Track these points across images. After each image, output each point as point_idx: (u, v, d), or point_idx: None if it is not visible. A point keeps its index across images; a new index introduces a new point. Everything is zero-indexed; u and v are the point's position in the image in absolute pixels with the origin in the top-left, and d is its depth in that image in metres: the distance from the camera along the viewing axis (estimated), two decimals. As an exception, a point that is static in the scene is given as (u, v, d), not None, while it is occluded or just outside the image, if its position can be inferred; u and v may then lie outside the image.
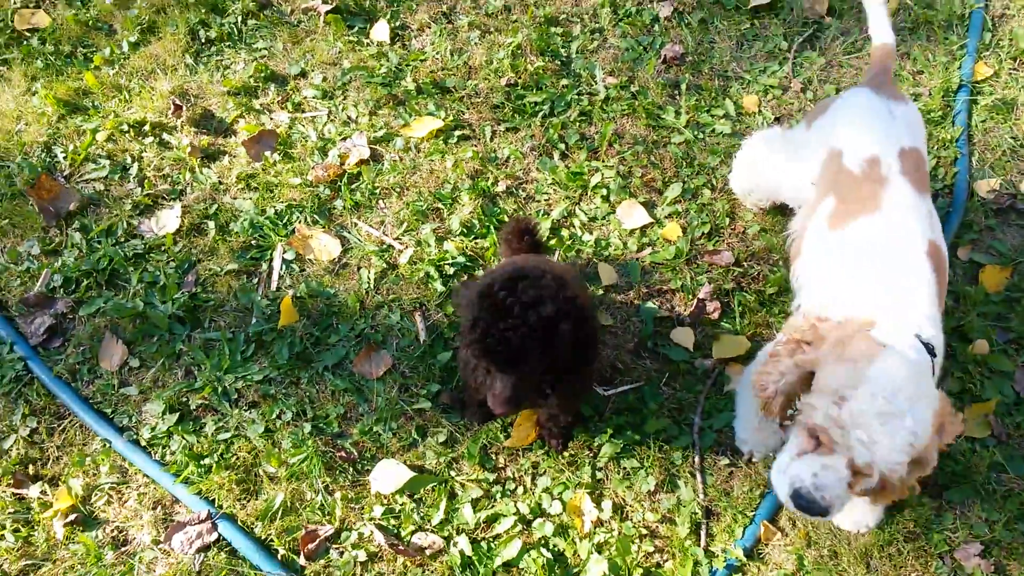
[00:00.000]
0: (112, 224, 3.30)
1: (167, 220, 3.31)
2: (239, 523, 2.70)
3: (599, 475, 2.75)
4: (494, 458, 2.79)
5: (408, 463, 2.76)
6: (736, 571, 2.59)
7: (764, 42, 3.75)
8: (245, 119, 3.60)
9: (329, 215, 3.32)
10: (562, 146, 3.45)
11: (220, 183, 3.41)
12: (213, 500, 2.74)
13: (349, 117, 3.58)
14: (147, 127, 3.56)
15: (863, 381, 1.79)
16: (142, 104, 3.64)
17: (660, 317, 3.03)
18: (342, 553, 2.64)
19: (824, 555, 2.59)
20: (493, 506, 2.70)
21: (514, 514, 2.67)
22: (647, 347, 2.98)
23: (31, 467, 2.84)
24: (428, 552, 2.62)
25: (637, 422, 2.82)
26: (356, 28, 3.85)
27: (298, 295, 3.10)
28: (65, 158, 3.48)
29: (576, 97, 3.59)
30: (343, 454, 2.79)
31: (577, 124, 3.52)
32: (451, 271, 3.12)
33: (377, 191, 3.36)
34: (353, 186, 3.38)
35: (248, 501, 2.74)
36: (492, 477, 2.74)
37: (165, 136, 3.55)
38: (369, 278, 3.13)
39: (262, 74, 3.70)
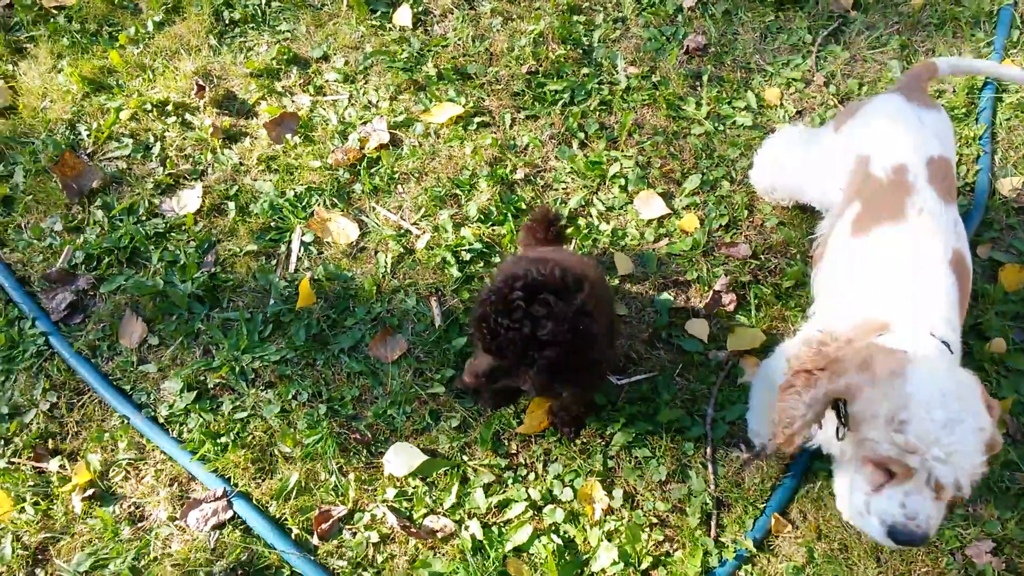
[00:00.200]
0: (134, 203, 3.33)
1: (188, 200, 3.33)
2: (254, 502, 2.74)
3: (611, 463, 2.76)
4: (506, 444, 2.81)
5: (421, 447, 2.79)
6: (746, 562, 2.60)
7: (788, 35, 3.73)
8: (267, 101, 3.62)
9: (348, 199, 3.33)
10: (581, 135, 3.45)
11: (241, 164, 3.44)
12: (229, 478, 2.77)
13: (370, 101, 3.59)
14: (170, 107, 3.59)
15: (909, 400, 1.76)
16: (165, 84, 3.66)
17: (675, 308, 3.04)
18: (355, 534, 2.67)
19: (835, 548, 2.60)
20: (505, 491, 2.72)
21: (525, 500, 2.69)
22: (662, 338, 2.99)
23: (51, 441, 2.88)
24: (439, 535, 2.65)
25: (650, 412, 2.83)
26: (379, 12, 3.86)
27: (316, 277, 3.12)
28: (89, 136, 3.51)
29: (597, 86, 3.59)
30: (357, 436, 2.81)
31: (597, 113, 3.52)
32: (468, 257, 3.14)
33: (396, 176, 3.37)
34: (372, 170, 3.39)
35: (263, 480, 2.77)
36: (504, 463, 2.76)
37: (188, 116, 3.58)
38: (386, 262, 3.15)
39: (285, 56, 3.72)
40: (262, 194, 3.34)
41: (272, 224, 3.28)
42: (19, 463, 2.82)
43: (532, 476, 2.75)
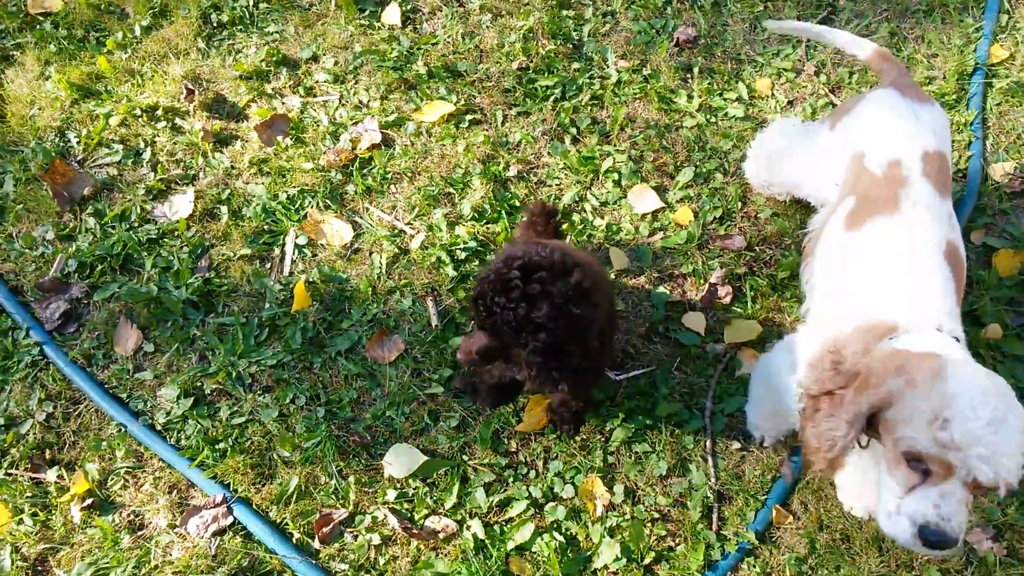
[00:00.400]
0: (126, 209, 3.31)
1: (180, 205, 3.32)
2: (254, 507, 2.73)
3: (611, 459, 2.76)
4: (506, 442, 2.80)
5: (421, 447, 2.78)
6: (748, 554, 2.60)
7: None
8: (257, 103, 3.61)
9: (341, 200, 3.32)
10: (573, 130, 3.44)
11: (232, 168, 3.42)
12: (228, 484, 2.76)
13: (361, 101, 3.58)
14: (160, 112, 3.57)
15: (953, 399, 1.72)
16: (154, 88, 3.64)
17: (671, 302, 3.03)
18: (356, 536, 2.66)
19: (836, 539, 2.60)
20: (505, 490, 2.72)
21: (526, 498, 2.69)
22: (658, 332, 2.99)
23: (48, 452, 2.87)
24: (441, 535, 2.64)
25: (649, 406, 2.83)
26: (367, 11, 3.84)
27: (311, 280, 3.11)
28: (79, 143, 3.49)
29: (588, 81, 3.58)
30: (356, 438, 2.81)
31: (589, 108, 3.51)
32: (463, 256, 3.13)
33: (389, 176, 3.36)
34: (365, 171, 3.38)
35: (263, 485, 2.76)
36: (504, 461, 2.76)
37: (178, 121, 3.56)
38: (381, 263, 3.14)
39: (274, 58, 3.70)
40: (254, 197, 3.32)
41: (265, 227, 3.26)
42: (16, 474, 2.81)
43: (533, 474, 2.75)
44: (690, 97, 3.52)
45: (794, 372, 2.26)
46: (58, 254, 3.21)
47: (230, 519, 2.69)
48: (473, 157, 3.37)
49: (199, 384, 2.94)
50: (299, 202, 3.30)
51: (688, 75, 3.60)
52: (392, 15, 3.81)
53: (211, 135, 3.48)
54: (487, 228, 3.20)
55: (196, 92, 3.58)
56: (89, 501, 2.75)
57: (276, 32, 3.81)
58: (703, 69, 3.60)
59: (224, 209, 3.30)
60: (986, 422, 1.68)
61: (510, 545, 2.60)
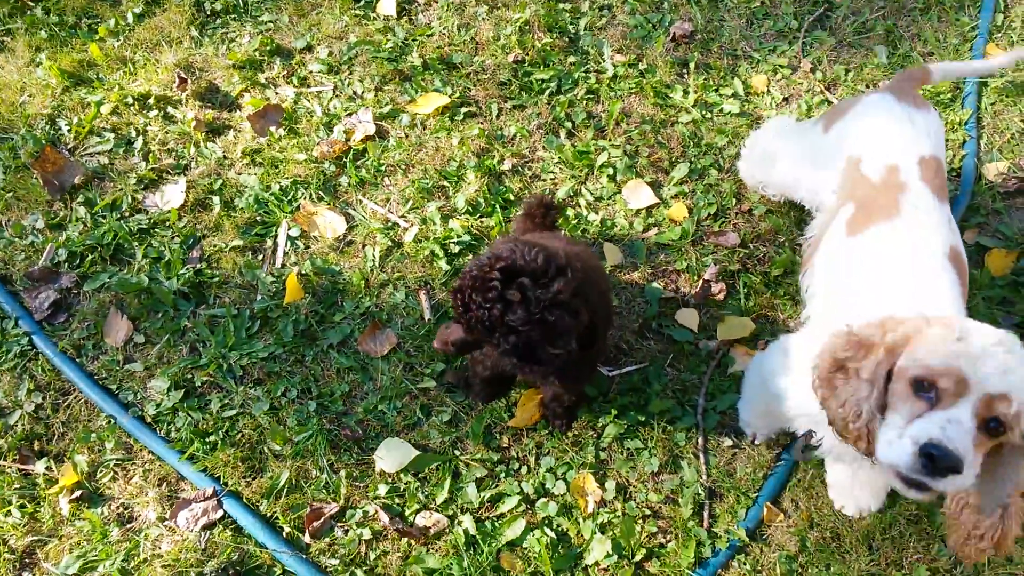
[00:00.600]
0: (117, 198, 3.29)
1: (172, 195, 3.29)
2: (244, 500, 2.72)
3: (603, 455, 2.76)
4: (498, 438, 2.80)
5: (412, 442, 2.77)
6: (739, 552, 2.60)
7: (774, 21, 3.72)
8: (250, 93, 3.58)
9: (334, 192, 3.30)
10: (569, 124, 3.42)
11: (225, 158, 3.40)
12: (218, 477, 2.75)
13: (355, 92, 3.56)
14: (151, 100, 3.54)
15: (968, 330, 1.71)
16: (147, 77, 3.61)
17: (665, 298, 3.03)
18: (347, 531, 2.66)
19: (827, 537, 2.60)
20: (497, 486, 2.71)
21: (518, 494, 2.68)
22: (652, 328, 2.98)
23: (36, 443, 2.85)
24: (432, 531, 2.64)
25: (641, 403, 2.82)
26: (362, 1, 3.82)
27: (303, 272, 3.09)
28: (69, 131, 3.46)
29: (583, 75, 3.56)
30: (348, 432, 2.79)
31: (584, 102, 3.50)
32: (456, 250, 3.11)
33: (383, 168, 3.34)
34: (358, 163, 3.36)
35: (253, 479, 2.75)
36: (496, 457, 2.75)
37: (170, 110, 3.53)
38: (374, 256, 3.13)
39: (267, 47, 3.67)
40: (247, 188, 3.30)
41: (258, 218, 3.24)
42: (4, 465, 2.79)
43: (524, 470, 2.74)
44: (686, 92, 3.51)
45: (788, 373, 2.26)
46: (48, 243, 3.18)
47: (220, 512, 2.68)
48: (468, 150, 3.35)
49: (190, 376, 2.93)
50: (292, 193, 3.28)
51: (684, 70, 3.59)
52: (387, 6, 3.78)
53: (203, 124, 3.46)
54: (481, 222, 3.19)
55: (189, 81, 3.55)
56: (78, 493, 2.73)
57: (270, 21, 3.78)
58: (699, 64, 3.59)
59: (216, 199, 3.27)
60: (998, 342, 1.67)
61: (501, 541, 2.60)
